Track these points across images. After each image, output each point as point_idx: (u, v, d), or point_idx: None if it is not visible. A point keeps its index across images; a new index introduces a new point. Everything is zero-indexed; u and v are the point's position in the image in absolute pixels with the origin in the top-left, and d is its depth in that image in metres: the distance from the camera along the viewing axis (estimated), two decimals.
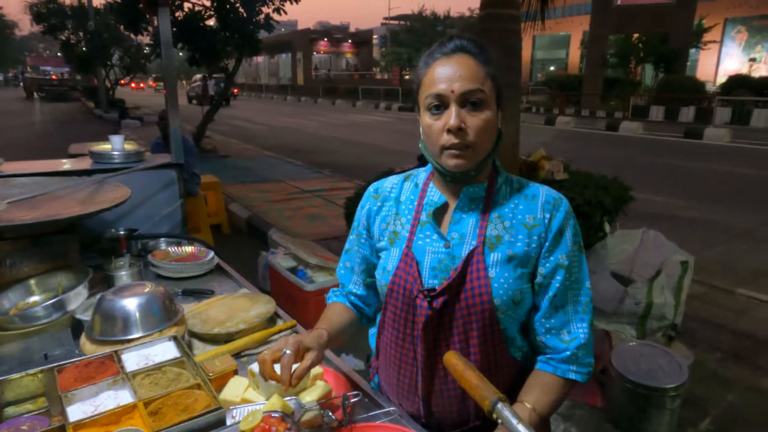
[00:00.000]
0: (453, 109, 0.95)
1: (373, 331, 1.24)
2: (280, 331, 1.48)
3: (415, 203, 1.10)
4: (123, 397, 1.06)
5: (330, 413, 1.10)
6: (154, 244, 2.15)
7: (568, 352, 1.02)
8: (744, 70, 23.49)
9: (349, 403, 1.11)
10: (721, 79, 23.09)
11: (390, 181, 1.17)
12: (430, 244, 1.05)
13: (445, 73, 0.96)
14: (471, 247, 1.02)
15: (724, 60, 27.82)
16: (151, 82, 24.14)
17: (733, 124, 15.88)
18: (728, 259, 4.88)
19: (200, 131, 10.64)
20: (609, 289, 2.98)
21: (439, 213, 1.07)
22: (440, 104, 0.97)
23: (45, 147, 11.13)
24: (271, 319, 1.57)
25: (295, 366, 0.98)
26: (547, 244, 1.02)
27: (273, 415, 0.99)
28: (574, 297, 1.03)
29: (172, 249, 2.09)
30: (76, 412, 1.00)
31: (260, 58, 48.00)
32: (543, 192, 1.05)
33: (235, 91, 25.85)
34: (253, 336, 1.44)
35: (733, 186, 8.18)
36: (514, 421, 0.78)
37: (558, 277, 1.02)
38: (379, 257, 1.15)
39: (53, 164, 2.21)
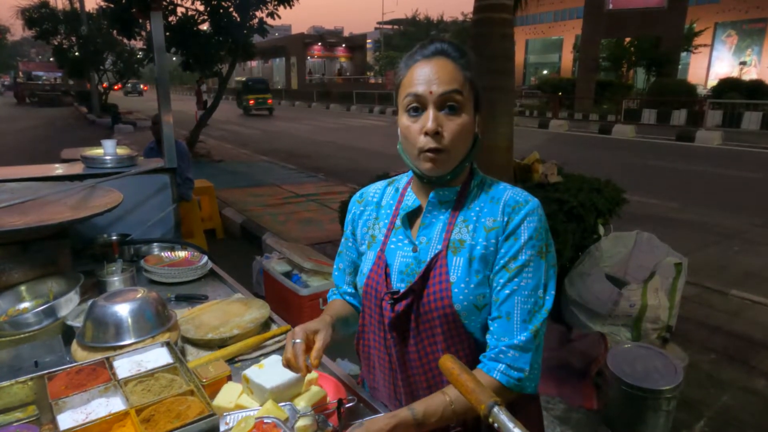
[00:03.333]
0: (430, 112, 0.96)
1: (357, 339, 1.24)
2: (274, 336, 1.47)
3: (393, 207, 1.12)
4: (115, 404, 1.04)
5: (325, 418, 1.09)
6: (147, 249, 2.14)
7: (496, 349, 0.97)
8: (734, 74, 23.78)
9: (343, 408, 1.10)
10: (712, 82, 23.35)
11: (374, 187, 1.19)
12: (401, 248, 1.07)
13: (424, 75, 0.96)
14: (436, 251, 1.02)
15: (715, 63, 28.11)
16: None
17: (724, 127, 16.03)
18: (721, 261, 4.91)
19: (194, 136, 10.61)
20: (603, 291, 2.98)
21: (412, 217, 1.08)
22: (418, 105, 0.97)
23: (37, 152, 11.04)
24: (266, 324, 1.56)
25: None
26: (501, 248, 0.99)
27: (266, 420, 0.98)
28: (521, 304, 0.97)
29: (165, 254, 2.08)
30: (66, 420, 0.98)
31: (254, 63, 48.01)
32: (508, 194, 1.02)
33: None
34: (247, 341, 1.42)
35: (724, 188, 8.24)
36: (511, 425, 0.77)
37: (502, 281, 0.98)
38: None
39: (45, 169, 2.19)
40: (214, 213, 5.80)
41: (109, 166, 2.18)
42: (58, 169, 2.21)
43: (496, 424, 0.79)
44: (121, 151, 2.32)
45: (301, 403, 1.13)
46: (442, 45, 1.00)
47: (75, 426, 0.94)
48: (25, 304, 1.52)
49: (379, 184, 1.19)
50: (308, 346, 1.01)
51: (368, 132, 17.31)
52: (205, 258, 2.04)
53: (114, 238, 2.07)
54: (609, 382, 2.48)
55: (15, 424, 1.01)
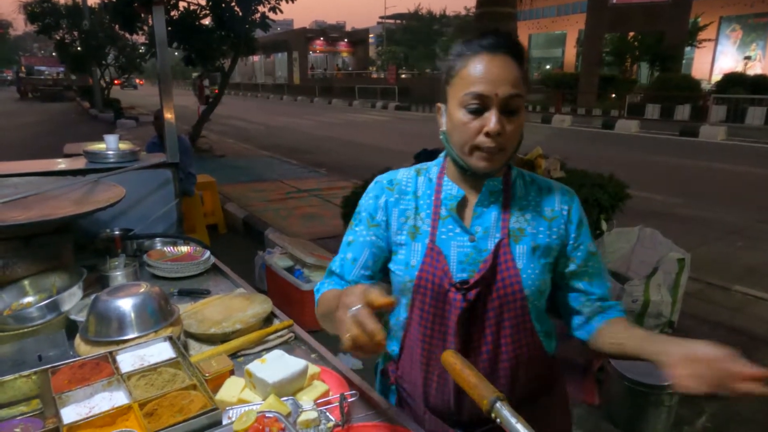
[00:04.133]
0: (494, 114, 0.94)
1: (392, 335, 1.19)
2: (276, 331, 1.47)
3: (432, 198, 1.09)
4: (118, 398, 1.05)
5: (327, 413, 1.09)
6: (150, 244, 2.14)
7: (597, 300, 1.12)
8: (739, 68, 23.61)
9: (346, 402, 1.11)
10: (716, 77, 23.18)
11: (403, 174, 1.14)
12: (454, 238, 1.06)
13: (489, 73, 0.94)
14: (496, 240, 1.03)
15: (719, 58, 27.93)
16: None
17: (728, 122, 15.95)
18: (724, 257, 4.90)
19: (196, 131, 10.61)
20: None
21: (459, 207, 1.07)
22: (480, 104, 0.95)
23: (40, 147, 11.06)
24: (268, 319, 1.56)
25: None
26: (573, 235, 1.08)
27: (267, 415, 0.98)
28: (597, 276, 1.12)
29: (168, 249, 2.08)
30: (70, 413, 0.99)
31: (256, 58, 47.93)
32: (556, 185, 1.10)
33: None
34: (250, 336, 1.43)
35: (728, 184, 8.21)
36: (513, 421, 0.77)
37: (591, 263, 1.10)
38: (394, 251, 1.12)
39: (47, 164, 2.19)
40: (216, 208, 5.81)
41: (112, 161, 2.18)
42: (61, 164, 2.21)
43: (498, 419, 0.79)
44: (124, 146, 2.32)
45: (304, 397, 1.14)
46: (503, 39, 0.96)
47: (78, 420, 0.95)
48: (29, 299, 1.52)
49: (406, 172, 1.14)
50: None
51: (370, 127, 17.28)
52: (208, 253, 2.04)
53: (117, 233, 2.07)
54: (611, 377, 2.49)
55: (18, 417, 1.01)
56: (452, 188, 1.08)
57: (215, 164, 9.27)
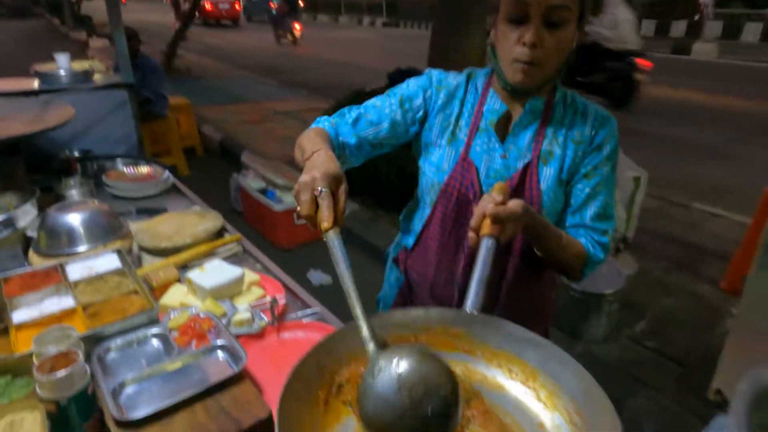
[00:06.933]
0: (533, 25, 0.92)
1: (412, 226, 1.25)
2: (224, 244, 1.57)
3: (475, 108, 1.10)
4: (65, 303, 1.14)
5: (261, 313, 1.21)
6: (112, 165, 2.18)
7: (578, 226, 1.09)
8: None
9: (277, 304, 1.22)
10: None
11: (454, 78, 1.14)
12: (487, 152, 1.07)
13: None
14: (526, 160, 1.05)
15: None
16: None
17: (723, 38, 15.53)
18: (690, 176, 5.02)
19: (171, 50, 10.19)
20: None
21: (498, 122, 1.08)
22: (521, 14, 0.93)
23: (7, 66, 10.60)
24: (219, 234, 1.65)
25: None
26: (586, 158, 1.06)
27: (200, 315, 1.09)
28: (596, 209, 1.08)
29: (128, 170, 2.12)
30: (21, 315, 1.09)
31: None
32: (593, 109, 1.07)
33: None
34: (199, 248, 1.52)
35: (710, 105, 8.19)
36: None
37: (581, 187, 1.06)
38: (428, 151, 1.14)
39: (0, 84, 2.17)
40: (192, 130, 5.75)
41: (64, 81, 2.16)
42: (13, 85, 2.18)
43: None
44: (77, 66, 2.28)
45: (241, 300, 1.25)
46: None
47: (27, 320, 1.05)
48: None
49: (458, 77, 1.14)
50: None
51: (357, 45, 16.64)
52: (167, 173, 2.09)
53: (76, 154, 2.10)
54: (558, 288, 2.66)
55: None
56: (495, 102, 1.08)
57: (192, 85, 9.01)
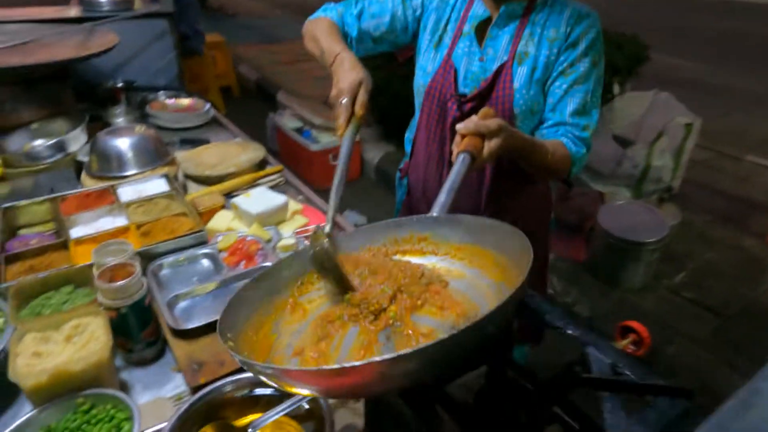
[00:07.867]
0: None
1: (409, 136, 1.33)
2: (267, 175, 1.58)
3: (462, 13, 1.14)
4: (119, 222, 1.19)
5: (304, 240, 1.22)
6: (154, 96, 2.20)
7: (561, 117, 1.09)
8: None
9: (319, 231, 1.23)
10: None
11: None
12: (468, 54, 1.11)
13: None
14: (502, 62, 1.08)
15: None
16: None
17: None
18: (743, 127, 4.73)
19: None
20: (608, 151, 2.98)
21: (480, 27, 1.11)
22: None
23: None
24: (261, 165, 1.66)
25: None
26: (561, 56, 1.06)
27: (247, 238, 1.11)
28: (574, 104, 1.08)
29: (170, 101, 2.14)
30: (78, 232, 1.14)
31: None
32: (571, 6, 1.07)
33: None
34: (243, 178, 1.54)
35: (765, 50, 7.59)
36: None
37: (557, 84, 1.07)
38: (421, 51, 1.18)
39: (43, 11, 2.18)
40: (228, 69, 5.71)
41: (106, 9, 2.14)
42: (57, 12, 2.19)
43: None
44: None
45: (285, 228, 1.27)
46: None
47: (83, 236, 1.10)
48: (39, 141, 1.64)
49: None
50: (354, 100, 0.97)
51: None
52: (209, 105, 2.10)
53: (120, 84, 2.12)
54: (598, 235, 2.61)
55: (35, 233, 1.17)
56: (480, 8, 1.11)
57: (227, 23, 8.88)
